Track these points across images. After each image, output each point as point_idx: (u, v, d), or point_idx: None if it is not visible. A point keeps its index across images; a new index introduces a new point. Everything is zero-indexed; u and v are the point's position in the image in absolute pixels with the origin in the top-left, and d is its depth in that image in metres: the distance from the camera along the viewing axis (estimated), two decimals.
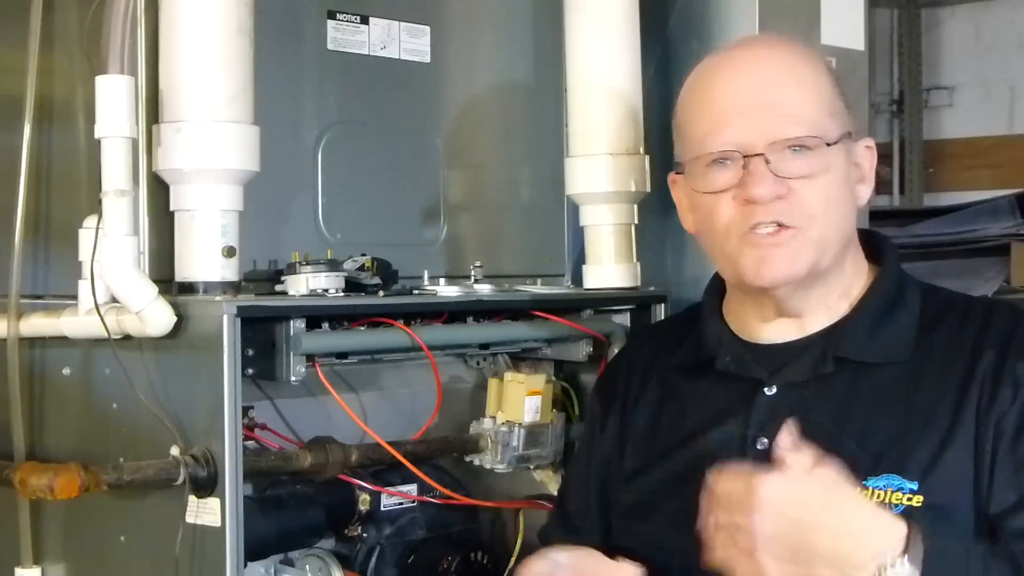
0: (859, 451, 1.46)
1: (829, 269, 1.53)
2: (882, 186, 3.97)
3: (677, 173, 1.59)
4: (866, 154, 1.58)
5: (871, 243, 1.61)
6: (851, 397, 1.50)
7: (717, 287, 1.65)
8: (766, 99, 1.49)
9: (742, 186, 1.48)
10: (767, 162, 1.47)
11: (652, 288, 2.14)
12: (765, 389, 1.53)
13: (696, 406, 1.60)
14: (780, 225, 1.48)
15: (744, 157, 1.47)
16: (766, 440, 1.49)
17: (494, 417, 1.98)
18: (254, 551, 1.72)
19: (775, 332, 1.58)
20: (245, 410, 1.72)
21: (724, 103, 1.51)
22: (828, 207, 1.49)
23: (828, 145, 1.49)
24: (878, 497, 1.43)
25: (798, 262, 1.49)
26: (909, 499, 1.42)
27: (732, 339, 1.60)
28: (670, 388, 1.64)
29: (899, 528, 1.33)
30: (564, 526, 1.71)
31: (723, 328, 1.61)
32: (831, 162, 1.49)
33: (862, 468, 1.44)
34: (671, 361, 1.66)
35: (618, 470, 1.66)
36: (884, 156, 3.97)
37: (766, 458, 1.47)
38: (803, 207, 1.48)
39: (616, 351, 2.04)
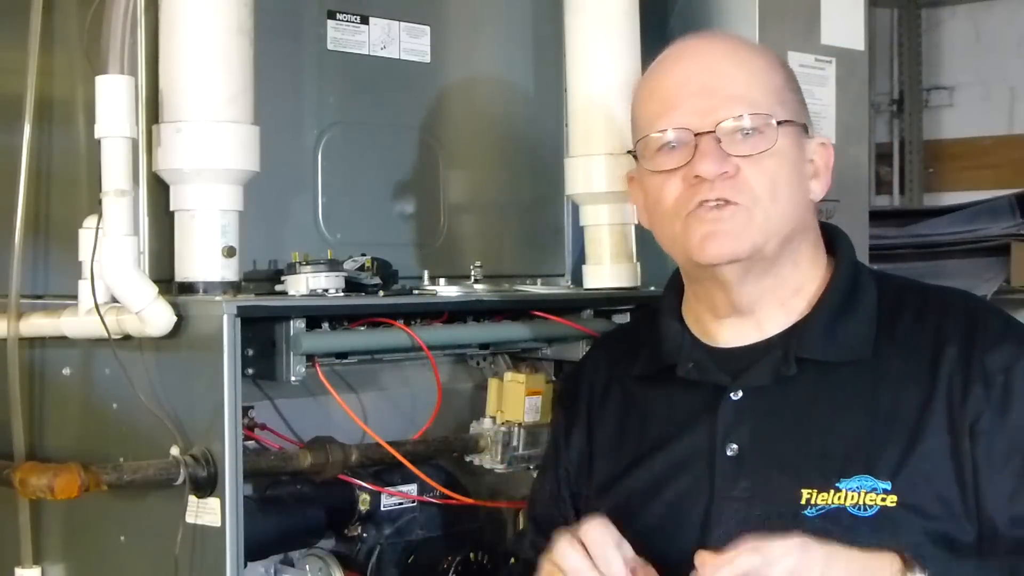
0: (828, 453, 1.46)
1: (778, 258, 1.53)
2: (882, 186, 3.98)
3: (634, 170, 1.60)
4: (820, 151, 1.59)
5: (827, 236, 1.62)
6: (815, 398, 1.51)
7: (676, 285, 1.65)
8: (713, 81, 1.52)
9: (691, 164, 1.49)
10: (717, 141, 1.49)
11: (652, 288, 2.14)
12: (731, 395, 1.53)
13: (661, 414, 1.60)
14: (726, 202, 1.49)
15: (695, 136, 1.49)
16: (735, 446, 1.50)
17: (494, 417, 1.98)
18: (254, 551, 1.72)
19: (733, 335, 1.58)
20: (245, 410, 1.72)
21: (672, 86, 1.54)
22: (774, 189, 1.50)
23: (776, 124, 1.50)
24: (851, 499, 1.43)
25: (742, 239, 1.49)
26: (883, 499, 1.43)
27: (693, 344, 1.60)
28: (632, 397, 1.64)
29: (895, 563, 1.34)
30: (538, 533, 1.68)
31: (683, 332, 1.61)
32: (779, 146, 1.51)
33: (833, 470, 1.45)
34: (631, 370, 1.66)
35: (586, 483, 1.66)
36: (884, 156, 3.97)
37: (736, 464, 1.49)
38: (749, 186, 1.49)
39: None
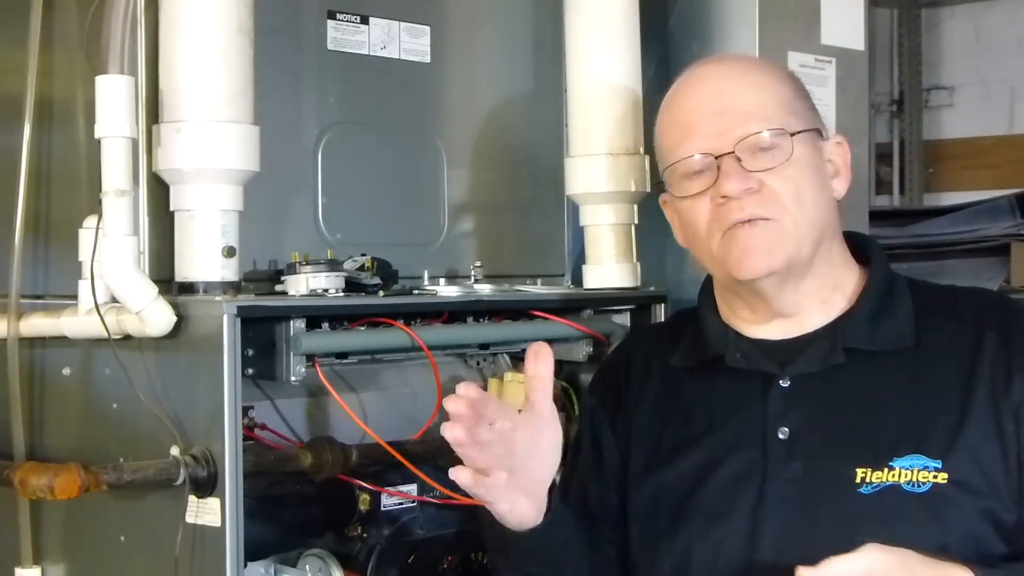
0: (879, 434, 1.52)
1: (813, 261, 1.58)
2: (882, 186, 3.98)
3: (662, 191, 1.66)
4: (837, 150, 1.64)
5: (857, 244, 1.68)
6: (863, 385, 1.57)
7: (710, 288, 1.70)
8: (725, 103, 1.58)
9: (716, 185, 1.55)
10: (738, 160, 1.54)
11: (652, 288, 2.14)
12: (780, 382, 1.59)
13: (705, 403, 1.64)
14: (756, 218, 1.54)
15: (716, 158, 1.55)
16: (786, 429, 1.56)
17: None
18: (254, 551, 1.72)
19: (775, 330, 1.63)
20: (245, 410, 1.72)
21: (687, 114, 1.60)
22: (800, 196, 1.56)
23: (792, 136, 1.56)
24: (905, 476, 1.49)
25: (776, 253, 1.55)
26: (935, 476, 1.49)
27: (738, 337, 1.64)
28: (673, 388, 1.68)
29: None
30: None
31: (726, 327, 1.66)
32: (797, 155, 1.56)
33: (885, 449, 1.51)
34: (670, 362, 1.69)
35: (626, 469, 1.69)
36: (884, 156, 3.97)
37: (787, 447, 1.55)
38: (775, 198, 1.55)
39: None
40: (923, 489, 1.48)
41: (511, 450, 1.51)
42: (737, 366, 1.62)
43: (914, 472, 1.49)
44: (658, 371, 1.71)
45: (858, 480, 1.50)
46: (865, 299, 1.61)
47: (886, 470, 1.49)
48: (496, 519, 1.58)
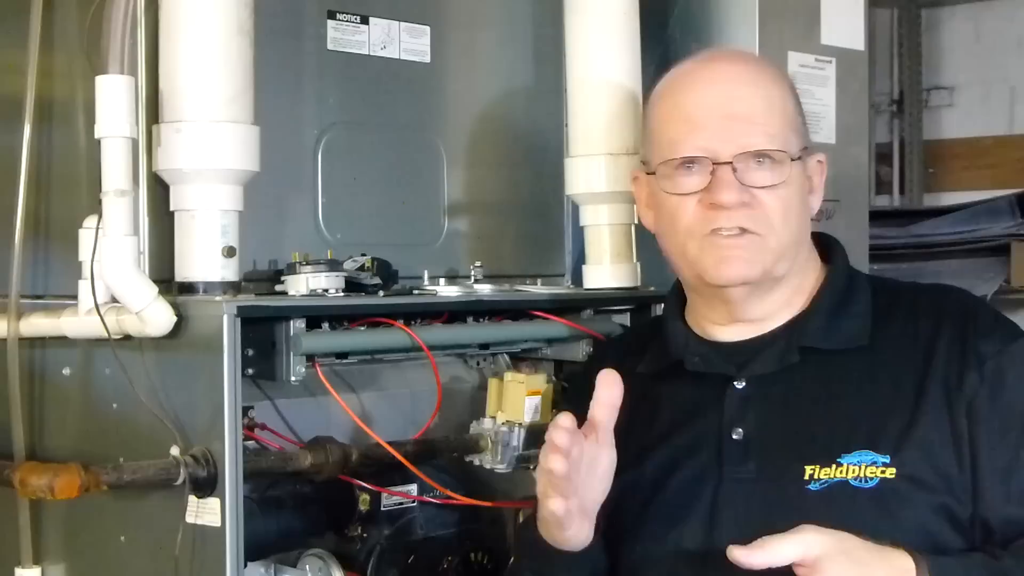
0: (831, 432, 1.53)
1: (784, 276, 1.60)
2: (882, 186, 3.98)
3: (642, 172, 1.66)
4: (817, 168, 1.67)
5: (823, 244, 1.69)
6: (818, 383, 1.58)
7: (677, 294, 1.71)
8: (735, 110, 1.57)
9: (709, 191, 1.56)
10: (734, 170, 1.55)
11: (652, 288, 2.14)
12: (735, 383, 1.60)
13: (667, 406, 1.66)
14: (742, 230, 1.56)
15: (713, 164, 1.55)
16: (740, 430, 1.57)
17: (494, 417, 1.98)
18: (254, 551, 1.72)
19: (737, 332, 1.65)
20: (245, 410, 1.72)
21: (695, 110, 1.59)
22: (787, 217, 1.57)
23: (792, 160, 1.57)
24: (853, 472, 1.49)
25: (754, 265, 1.57)
26: (883, 471, 1.49)
27: (698, 341, 1.66)
28: (639, 392, 1.68)
29: (908, 564, 1.40)
30: None
31: (688, 331, 1.68)
32: (792, 176, 1.58)
33: (835, 446, 1.51)
34: (637, 368, 1.71)
35: None
36: (884, 156, 3.97)
37: (742, 447, 1.57)
38: (765, 215, 1.56)
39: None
40: (871, 484, 1.48)
41: (577, 476, 1.53)
42: (696, 369, 1.63)
43: (862, 468, 1.49)
44: (626, 378, 1.71)
45: (807, 477, 1.51)
46: (821, 298, 1.62)
47: (834, 467, 1.50)
48: (548, 541, 1.59)
